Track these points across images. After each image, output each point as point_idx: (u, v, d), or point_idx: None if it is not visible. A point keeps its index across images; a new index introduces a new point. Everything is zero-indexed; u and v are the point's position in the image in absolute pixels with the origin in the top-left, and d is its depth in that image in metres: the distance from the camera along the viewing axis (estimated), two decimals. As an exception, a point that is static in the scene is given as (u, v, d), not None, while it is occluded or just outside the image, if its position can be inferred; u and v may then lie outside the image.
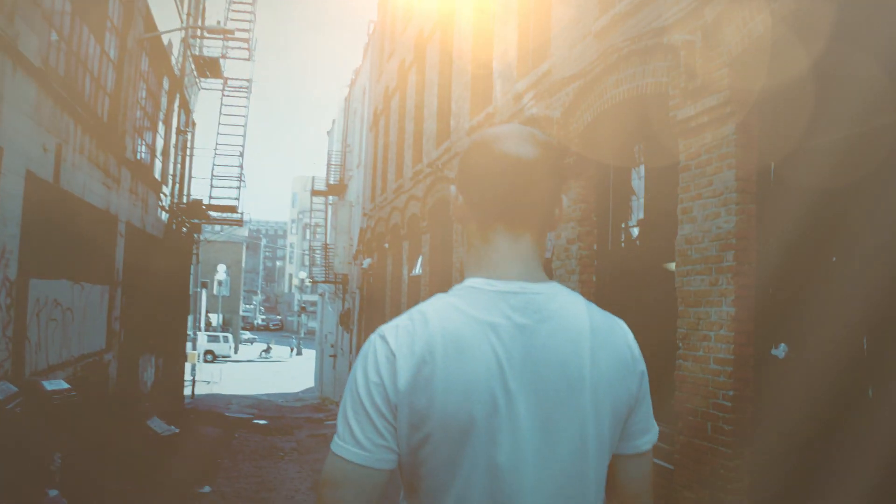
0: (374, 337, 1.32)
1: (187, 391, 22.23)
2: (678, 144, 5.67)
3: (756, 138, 5.09)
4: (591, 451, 1.30)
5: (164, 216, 15.18)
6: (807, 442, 4.53)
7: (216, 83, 18.36)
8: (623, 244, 7.26)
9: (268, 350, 52.44)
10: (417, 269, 15.71)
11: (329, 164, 31.37)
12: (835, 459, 4.33)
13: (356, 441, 1.27)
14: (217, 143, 17.37)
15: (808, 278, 4.67)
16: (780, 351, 4.75)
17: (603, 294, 7.24)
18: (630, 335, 1.41)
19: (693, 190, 5.44)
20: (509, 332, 1.28)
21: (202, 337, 41.13)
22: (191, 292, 22.26)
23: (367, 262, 21.48)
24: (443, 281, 13.41)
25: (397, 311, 17.44)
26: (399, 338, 1.28)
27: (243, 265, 60.87)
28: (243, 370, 40.94)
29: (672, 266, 6.65)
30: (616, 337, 1.37)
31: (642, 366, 1.40)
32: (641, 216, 6.92)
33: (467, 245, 1.41)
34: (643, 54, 6.19)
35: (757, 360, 4.94)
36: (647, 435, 1.43)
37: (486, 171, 1.33)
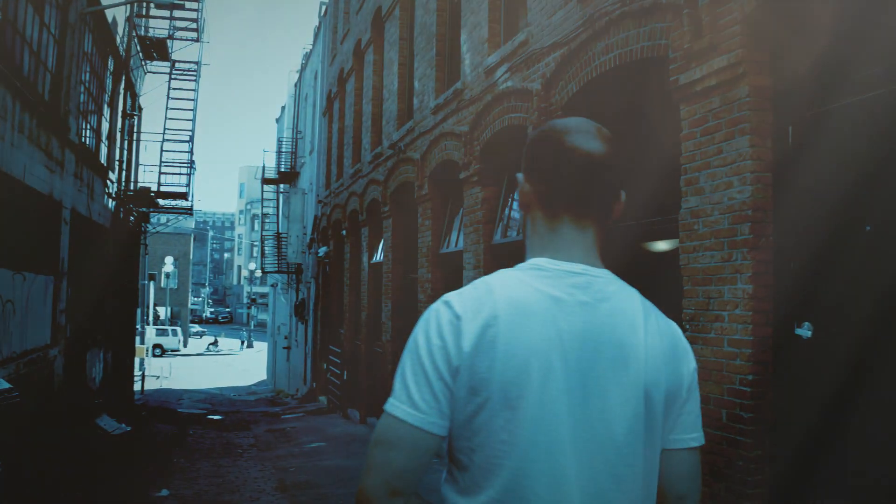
0: (436, 304, 1.36)
1: (137, 387, 21.35)
2: (680, 111, 5.28)
3: (771, 100, 4.72)
4: (642, 431, 1.33)
5: (111, 204, 14.34)
6: (835, 430, 4.19)
7: (163, 66, 17.48)
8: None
9: (215, 343, 51.36)
10: (379, 256, 15.19)
11: (279, 152, 30.53)
12: (866, 450, 3.99)
13: (412, 402, 1.29)
14: (165, 129, 16.50)
15: (835, 251, 4.32)
16: (805, 330, 4.39)
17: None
18: (680, 331, 1.45)
19: (699, 159, 5.06)
20: (571, 306, 1.32)
21: (150, 331, 40.03)
22: (139, 285, 21.35)
23: (322, 250, 20.86)
24: (408, 268, 12.93)
25: (357, 299, 16.94)
26: (465, 302, 1.32)
27: (191, 257, 59.38)
28: (193, 364, 39.94)
29: (660, 245, 6.30)
30: (670, 329, 1.42)
31: (694, 363, 1.45)
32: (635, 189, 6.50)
33: (532, 230, 1.46)
34: (639, 16, 5.78)
35: (776, 341, 4.58)
36: (696, 432, 1.44)
37: (555, 164, 1.40)
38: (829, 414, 4.21)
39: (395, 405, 1.30)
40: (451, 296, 1.36)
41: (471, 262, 9.35)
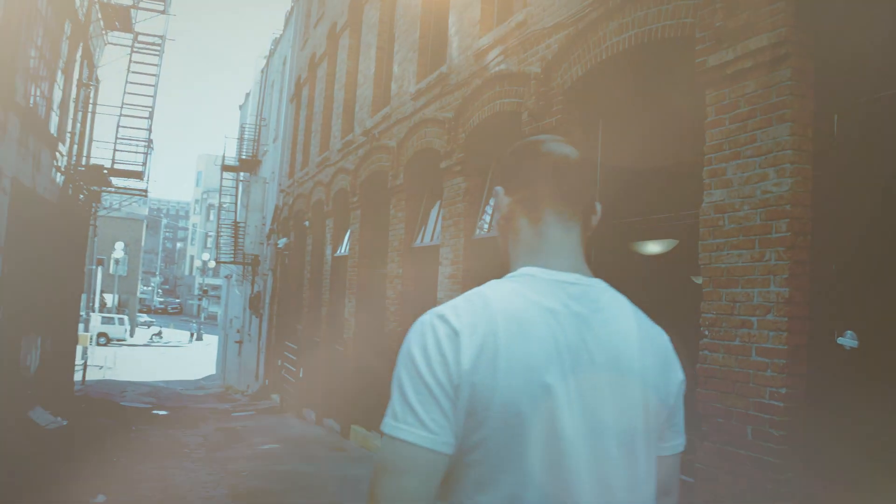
0: (427, 318, 1.31)
1: (78, 377, 20.27)
2: (705, 96, 4.78)
3: (814, 86, 4.24)
4: (641, 443, 1.32)
5: (60, 179, 13.40)
6: (879, 455, 3.71)
7: (125, 38, 16.53)
8: (618, 219, 6.32)
9: (159, 334, 49.94)
10: (344, 249, 14.51)
11: (241, 139, 29.56)
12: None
13: (421, 423, 1.22)
14: (123, 103, 15.56)
15: (883, 252, 3.85)
16: (849, 339, 3.91)
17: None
18: (669, 340, 1.44)
19: (727, 148, 4.56)
20: (567, 318, 1.31)
21: (96, 318, 38.64)
22: (86, 269, 20.29)
23: (282, 241, 20.08)
24: (376, 262, 12.29)
25: (318, 294, 16.23)
26: (461, 317, 1.28)
27: (143, 244, 57.72)
28: (140, 355, 38.64)
29: (652, 248, 5.81)
30: (660, 338, 1.42)
31: (682, 373, 1.43)
32: (648, 183, 5.99)
33: (516, 240, 1.45)
34: (661, -9, 5.27)
35: (814, 352, 4.10)
36: (682, 437, 1.46)
37: (535, 167, 1.44)
38: (873, 436, 3.74)
39: (401, 428, 1.23)
40: (444, 309, 1.31)
41: (448, 257, 8.76)
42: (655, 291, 5.54)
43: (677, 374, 1.42)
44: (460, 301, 1.32)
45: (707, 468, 4.50)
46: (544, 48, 6.83)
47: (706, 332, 4.59)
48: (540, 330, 1.28)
